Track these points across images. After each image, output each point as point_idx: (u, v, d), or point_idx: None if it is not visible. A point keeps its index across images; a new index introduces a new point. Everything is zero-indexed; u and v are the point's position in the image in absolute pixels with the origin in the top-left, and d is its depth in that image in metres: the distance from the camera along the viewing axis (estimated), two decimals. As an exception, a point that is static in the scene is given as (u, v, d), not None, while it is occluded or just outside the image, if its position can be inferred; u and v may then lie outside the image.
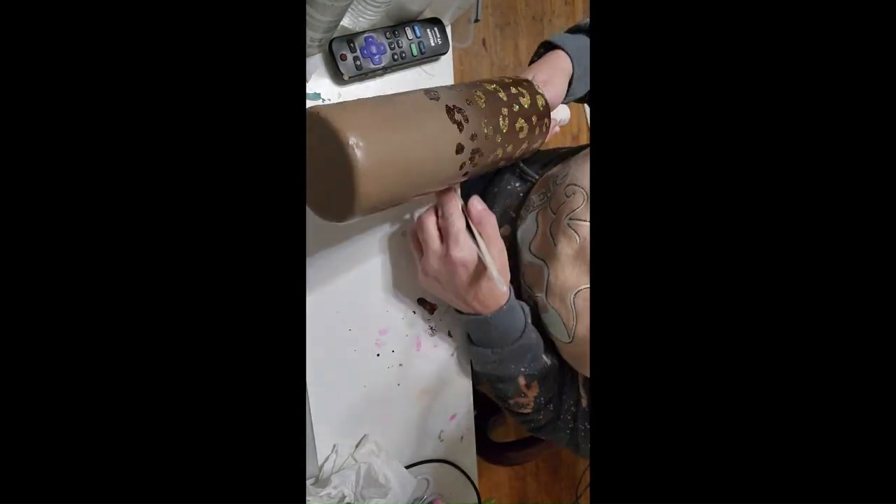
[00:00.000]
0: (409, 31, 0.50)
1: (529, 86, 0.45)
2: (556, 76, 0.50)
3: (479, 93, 0.38)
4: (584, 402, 0.54)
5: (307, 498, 0.48)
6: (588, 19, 0.56)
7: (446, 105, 0.34)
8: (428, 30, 0.51)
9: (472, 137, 0.35)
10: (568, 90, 0.52)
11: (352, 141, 0.28)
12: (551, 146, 0.66)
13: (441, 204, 0.44)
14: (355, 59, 0.47)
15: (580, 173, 0.51)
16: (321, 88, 0.48)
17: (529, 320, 0.51)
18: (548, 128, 0.46)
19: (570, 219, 0.49)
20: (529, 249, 0.54)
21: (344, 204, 0.30)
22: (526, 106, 0.42)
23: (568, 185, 0.51)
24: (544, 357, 0.53)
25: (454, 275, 0.45)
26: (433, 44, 0.51)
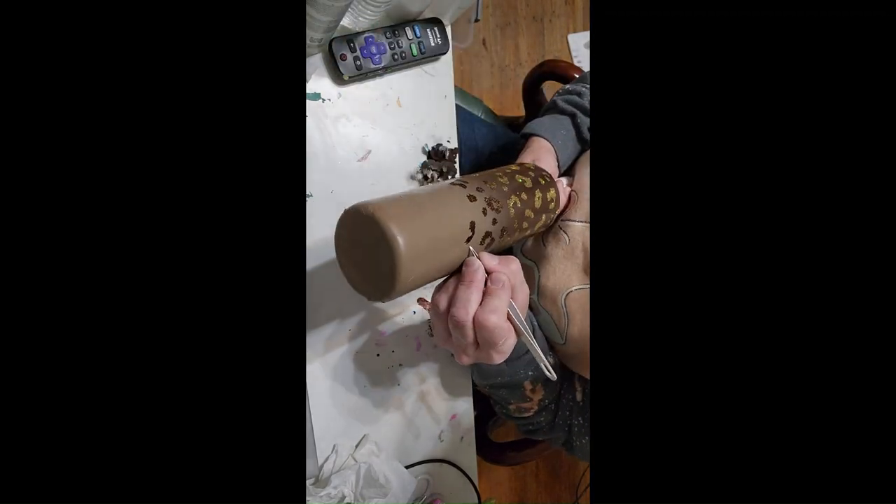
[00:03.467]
0: (409, 31, 0.50)
1: (535, 168, 0.47)
2: (540, 156, 0.52)
3: (491, 183, 0.41)
4: (578, 396, 0.54)
5: (307, 498, 0.48)
6: (550, 99, 0.59)
7: (466, 195, 0.38)
8: (428, 30, 0.51)
9: (494, 222, 0.39)
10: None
11: (394, 229, 0.32)
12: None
13: (480, 309, 0.35)
14: (355, 59, 0.47)
15: (572, 176, 0.52)
16: (321, 88, 0.48)
17: (537, 324, 0.51)
18: (556, 199, 0.46)
19: (561, 220, 0.50)
20: (521, 252, 0.54)
21: (387, 283, 0.34)
22: (542, 183, 0.45)
23: None
24: (550, 356, 0.52)
25: (490, 359, 0.38)
26: (433, 44, 0.51)
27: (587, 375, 0.51)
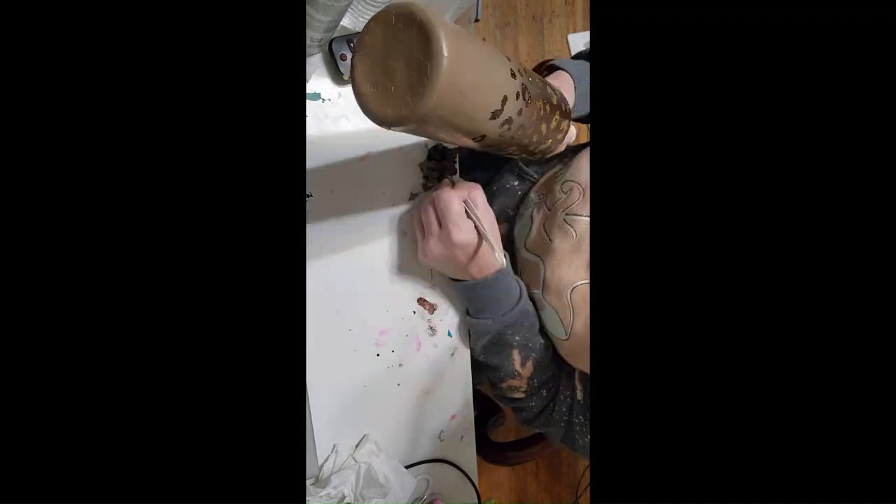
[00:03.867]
0: (409, 31, 0.50)
1: (553, 89, 0.46)
2: (562, 91, 0.51)
3: (531, 78, 0.41)
4: (579, 395, 0.54)
5: (307, 498, 0.48)
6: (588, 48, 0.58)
7: (511, 68, 0.38)
8: (428, 30, 0.51)
9: (523, 86, 0.39)
10: None
11: (439, 26, 0.30)
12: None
13: (437, 193, 0.47)
14: (355, 58, 0.47)
15: (577, 170, 0.52)
16: (321, 88, 0.48)
17: (525, 291, 0.52)
18: (565, 132, 0.47)
19: (567, 214, 0.50)
20: (525, 246, 0.54)
21: (422, 88, 0.31)
22: (555, 102, 0.44)
23: (565, 182, 0.52)
24: (539, 335, 0.53)
25: (454, 256, 0.48)
26: (433, 44, 0.51)
27: (588, 370, 0.51)
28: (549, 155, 0.48)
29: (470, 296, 0.52)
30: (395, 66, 0.32)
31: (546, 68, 0.55)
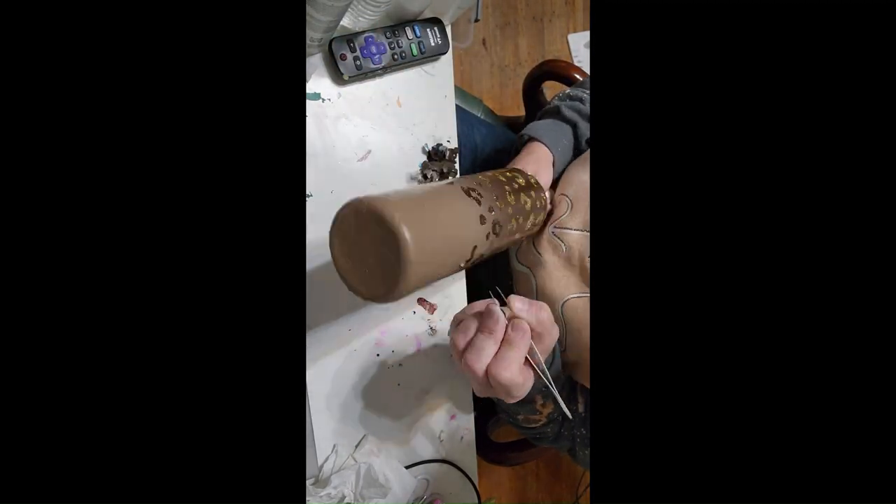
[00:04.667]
0: (409, 30, 0.50)
1: (520, 172, 0.48)
2: (540, 167, 0.52)
3: (481, 178, 0.42)
4: (581, 408, 0.54)
5: (307, 498, 0.48)
6: (551, 103, 0.58)
7: (461, 187, 0.38)
8: (428, 30, 0.51)
9: (490, 210, 0.39)
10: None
11: (397, 218, 0.31)
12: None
13: (485, 354, 0.35)
14: (355, 58, 0.47)
15: (564, 182, 0.51)
16: (321, 88, 0.48)
17: (558, 352, 0.46)
18: (545, 202, 0.49)
19: (556, 227, 0.49)
20: (516, 257, 0.54)
21: (392, 280, 0.32)
22: (523, 184, 0.45)
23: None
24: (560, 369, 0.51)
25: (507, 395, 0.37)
26: (433, 44, 0.51)
27: (585, 383, 0.51)
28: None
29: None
30: (367, 251, 0.33)
31: (519, 138, 0.55)
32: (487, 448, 0.77)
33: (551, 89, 0.75)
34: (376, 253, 0.32)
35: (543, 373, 0.36)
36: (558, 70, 0.80)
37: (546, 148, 0.53)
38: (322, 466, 0.52)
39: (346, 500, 0.49)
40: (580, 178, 0.51)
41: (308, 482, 0.51)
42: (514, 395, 0.36)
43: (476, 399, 0.62)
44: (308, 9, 0.37)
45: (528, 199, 0.44)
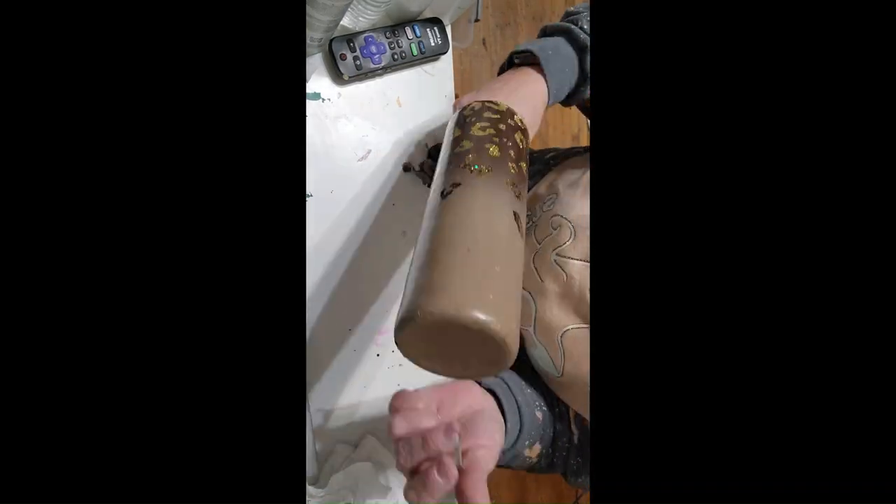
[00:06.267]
0: (409, 30, 0.50)
1: (508, 113, 0.42)
2: (529, 102, 0.46)
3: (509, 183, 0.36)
4: (575, 439, 0.54)
5: (307, 498, 0.48)
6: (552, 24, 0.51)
7: (513, 211, 0.34)
8: (428, 30, 0.51)
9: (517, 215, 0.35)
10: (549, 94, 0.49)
11: (493, 324, 0.27)
12: (543, 146, 0.65)
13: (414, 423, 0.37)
14: (355, 58, 0.47)
15: (567, 205, 0.49)
16: (321, 88, 0.48)
17: (525, 418, 0.48)
18: (526, 143, 0.43)
19: (557, 255, 0.48)
20: None
21: (495, 369, 0.31)
22: (521, 147, 0.40)
23: (553, 216, 0.49)
24: (538, 414, 0.50)
25: None
26: (433, 43, 0.51)
27: (581, 410, 0.51)
28: None
29: None
30: (455, 351, 0.30)
31: (512, 60, 0.49)
32: (487, 448, 0.77)
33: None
34: (468, 352, 0.30)
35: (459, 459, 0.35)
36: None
37: (545, 85, 0.48)
38: (322, 466, 0.52)
39: (346, 500, 0.49)
40: (580, 203, 0.49)
41: (308, 482, 0.51)
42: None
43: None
44: (308, 9, 0.37)
45: (524, 164, 0.40)
